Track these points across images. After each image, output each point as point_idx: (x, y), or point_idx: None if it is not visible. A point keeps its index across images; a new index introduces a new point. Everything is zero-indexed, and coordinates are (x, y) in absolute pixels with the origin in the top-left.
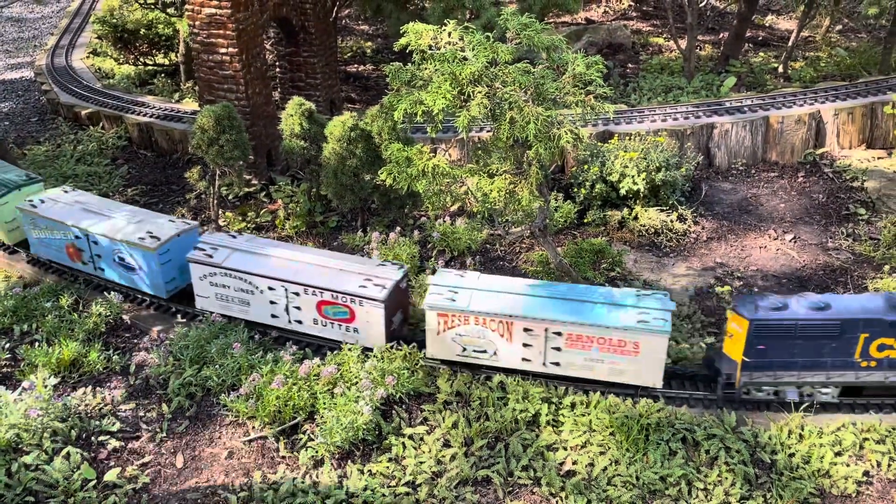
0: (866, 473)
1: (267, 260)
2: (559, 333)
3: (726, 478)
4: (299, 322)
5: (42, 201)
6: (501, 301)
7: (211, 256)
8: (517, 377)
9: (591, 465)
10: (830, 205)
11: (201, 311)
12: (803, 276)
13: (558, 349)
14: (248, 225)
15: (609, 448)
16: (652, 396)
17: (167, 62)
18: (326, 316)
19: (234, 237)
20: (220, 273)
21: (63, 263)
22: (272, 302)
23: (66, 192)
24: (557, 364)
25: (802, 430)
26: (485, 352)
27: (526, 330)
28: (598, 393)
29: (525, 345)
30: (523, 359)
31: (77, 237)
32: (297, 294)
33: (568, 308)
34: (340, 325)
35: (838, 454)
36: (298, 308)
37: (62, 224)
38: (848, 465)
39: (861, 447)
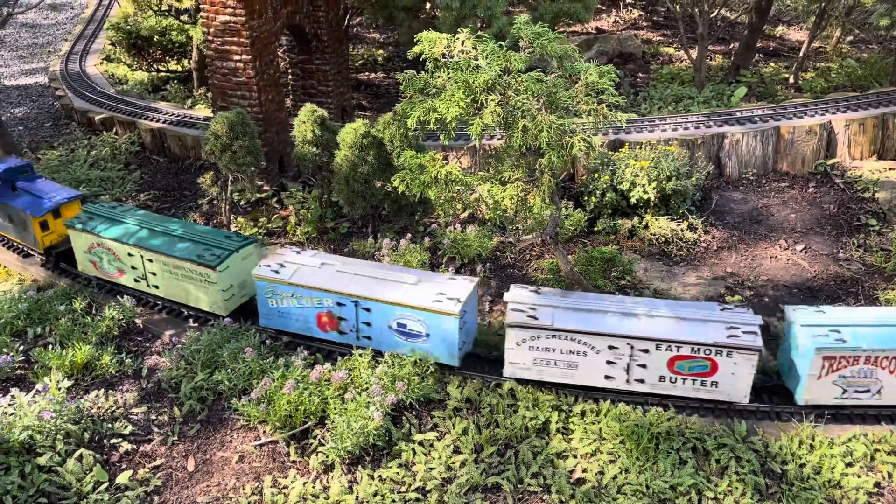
0: (877, 485)
1: (602, 317)
2: None
3: (737, 487)
4: (640, 381)
5: (283, 266)
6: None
7: (535, 318)
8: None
9: (601, 473)
10: (841, 215)
11: (509, 379)
12: (814, 286)
13: None
14: (260, 230)
15: (619, 456)
16: None
17: (180, 69)
18: (679, 372)
19: (538, 293)
20: (546, 335)
21: (304, 335)
22: (609, 362)
23: (297, 252)
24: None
25: (813, 440)
26: (868, 391)
27: None
28: (608, 401)
29: None
30: None
31: (339, 304)
32: (645, 351)
33: None
34: (695, 381)
35: (849, 465)
36: (643, 366)
37: (320, 291)
38: (859, 476)
39: (872, 458)
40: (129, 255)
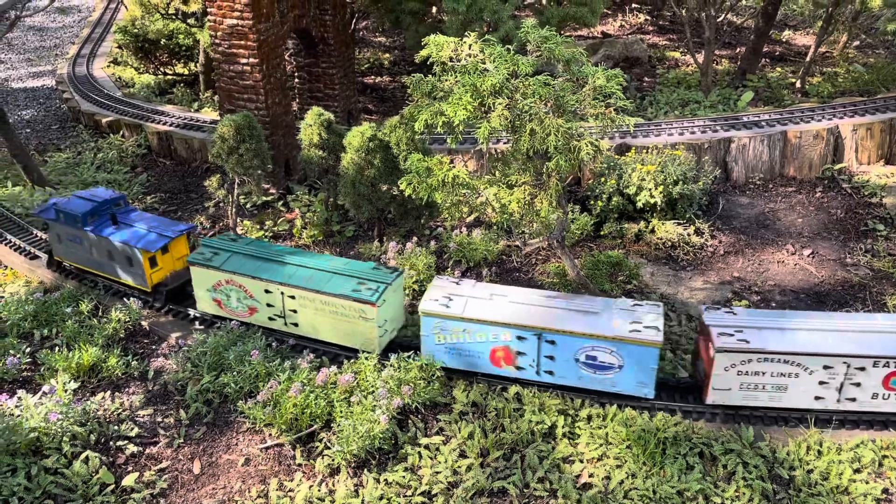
0: (885, 491)
1: (811, 335)
2: None
3: (744, 493)
4: (851, 400)
5: (451, 299)
6: None
7: (748, 342)
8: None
9: (608, 478)
10: (849, 220)
11: (713, 405)
12: (821, 291)
13: None
14: (266, 233)
15: (626, 461)
16: None
17: (187, 72)
18: (893, 388)
19: (734, 314)
20: (757, 359)
21: (474, 370)
22: (822, 382)
23: (456, 282)
24: None
25: (821, 446)
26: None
27: None
28: (615, 406)
29: None
30: None
31: (520, 338)
32: (861, 369)
33: None
34: None
35: (857, 471)
36: (857, 385)
37: (498, 325)
38: (867, 483)
39: (880, 464)
40: (267, 291)
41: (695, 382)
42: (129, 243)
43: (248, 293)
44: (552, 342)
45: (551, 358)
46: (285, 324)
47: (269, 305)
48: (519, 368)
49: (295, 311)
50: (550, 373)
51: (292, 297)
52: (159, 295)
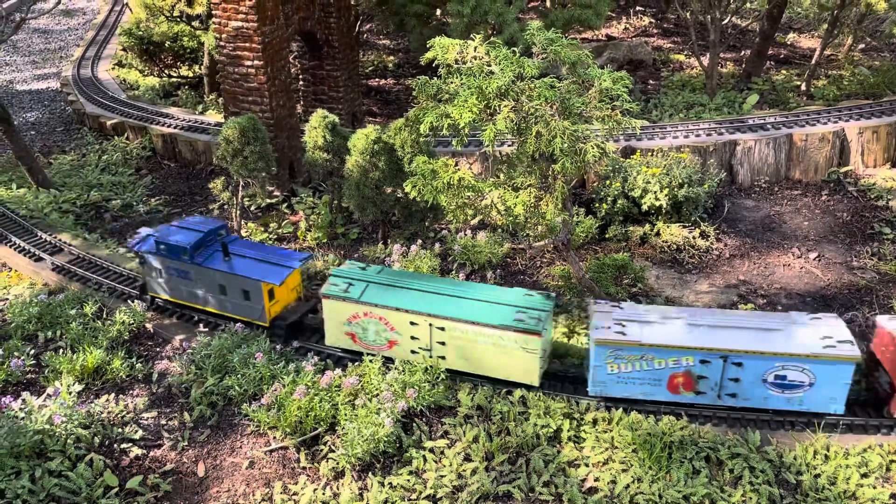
0: (893, 496)
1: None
2: None
3: (750, 498)
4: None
5: (624, 325)
6: None
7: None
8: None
9: (614, 482)
10: (855, 223)
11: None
12: (827, 294)
13: None
14: (270, 236)
15: (631, 465)
16: None
17: (191, 74)
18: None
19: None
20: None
21: (647, 399)
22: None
23: (619, 307)
24: None
25: (828, 450)
26: None
27: None
28: (620, 409)
29: None
30: None
31: (704, 361)
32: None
33: None
34: None
35: (865, 476)
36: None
37: (681, 349)
38: (874, 487)
39: (888, 469)
40: (412, 323)
41: None
42: (249, 275)
43: (389, 326)
44: (739, 364)
45: (735, 380)
46: (431, 356)
47: (412, 338)
48: (698, 393)
49: (443, 344)
50: (733, 395)
51: (441, 329)
52: (279, 330)
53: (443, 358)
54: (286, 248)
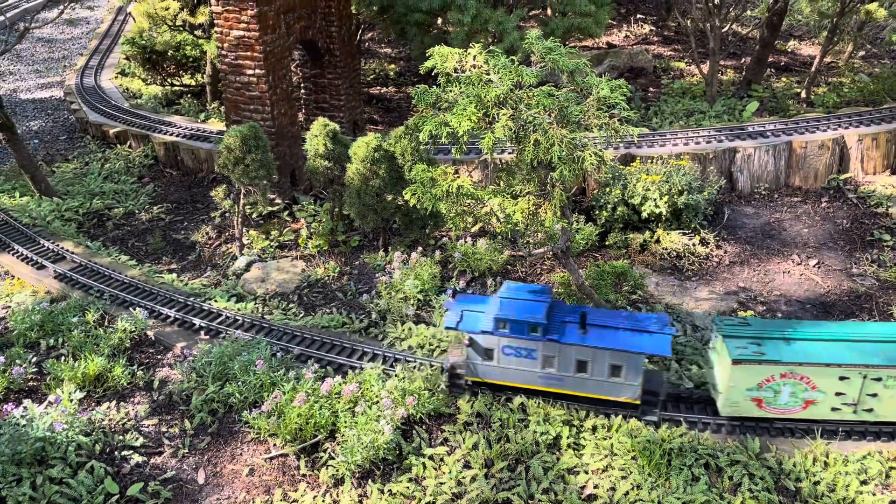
0: (893, 503)
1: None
2: None
3: None
4: None
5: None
6: None
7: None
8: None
9: (613, 489)
10: (855, 230)
11: None
12: (827, 301)
13: None
14: (272, 243)
15: (631, 472)
16: None
17: (194, 83)
18: None
19: None
20: None
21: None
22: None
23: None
24: None
25: (827, 457)
26: None
27: None
28: (620, 416)
29: None
30: None
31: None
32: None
33: None
34: None
35: (864, 483)
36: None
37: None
38: (874, 495)
39: (888, 476)
40: (842, 378)
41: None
42: (630, 349)
43: (811, 385)
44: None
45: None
46: (854, 412)
47: (837, 394)
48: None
49: (874, 395)
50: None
51: (877, 380)
52: (651, 406)
53: (869, 411)
54: (637, 312)
